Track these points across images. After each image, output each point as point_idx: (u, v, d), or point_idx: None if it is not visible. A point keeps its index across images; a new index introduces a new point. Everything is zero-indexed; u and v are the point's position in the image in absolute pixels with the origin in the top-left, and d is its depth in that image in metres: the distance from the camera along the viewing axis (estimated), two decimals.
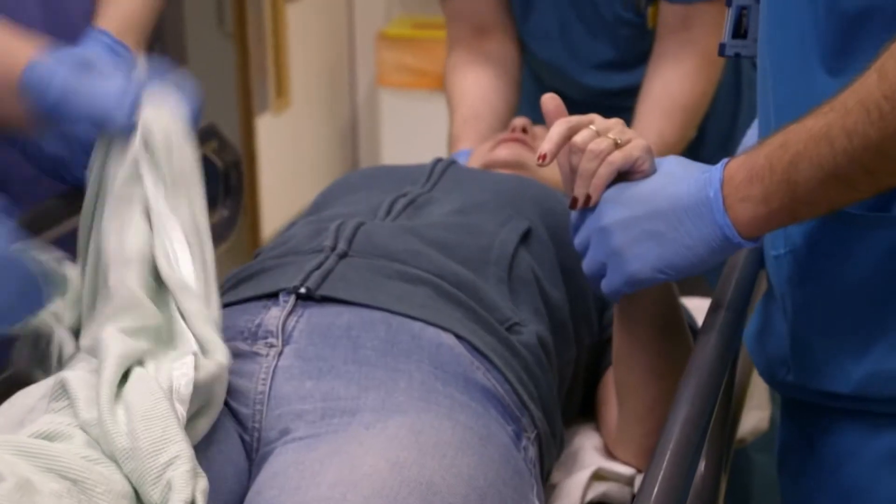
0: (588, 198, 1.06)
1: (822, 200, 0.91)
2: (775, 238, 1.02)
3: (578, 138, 1.07)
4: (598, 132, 1.07)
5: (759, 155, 0.93)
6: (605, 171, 1.06)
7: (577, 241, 1.08)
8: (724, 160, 0.98)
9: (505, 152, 1.50)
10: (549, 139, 1.07)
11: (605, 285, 1.05)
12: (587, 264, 1.07)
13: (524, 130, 1.53)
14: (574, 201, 1.08)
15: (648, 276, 1.02)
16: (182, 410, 0.91)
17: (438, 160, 1.41)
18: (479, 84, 1.72)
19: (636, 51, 1.67)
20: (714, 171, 0.97)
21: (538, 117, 1.73)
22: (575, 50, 1.70)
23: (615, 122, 1.08)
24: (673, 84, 1.61)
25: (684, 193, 0.99)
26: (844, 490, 1.01)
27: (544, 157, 1.07)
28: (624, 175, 1.06)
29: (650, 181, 1.04)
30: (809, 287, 0.98)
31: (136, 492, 0.85)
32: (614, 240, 1.03)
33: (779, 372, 1.03)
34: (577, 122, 1.08)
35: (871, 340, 0.95)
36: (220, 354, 0.99)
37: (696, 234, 0.98)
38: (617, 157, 1.05)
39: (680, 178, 1.01)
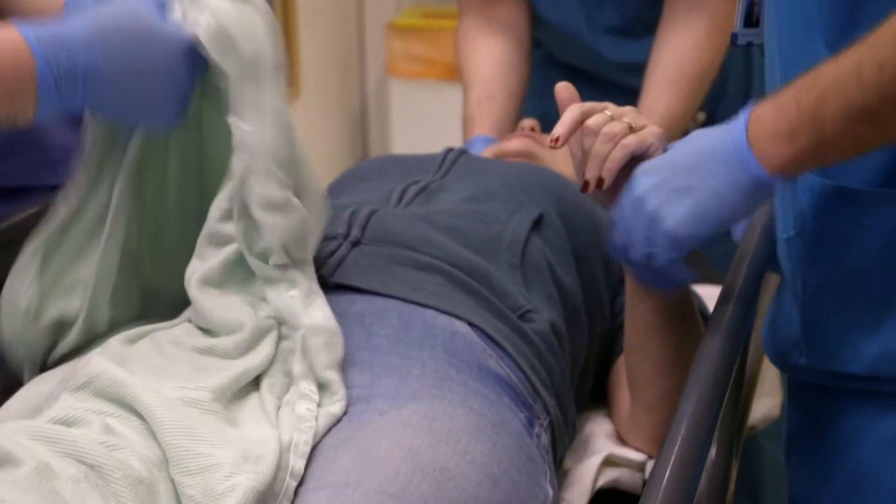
0: (600, 181, 1.06)
1: (849, 139, 0.89)
2: (785, 220, 1.02)
3: (592, 121, 1.07)
4: (612, 117, 1.07)
5: (787, 94, 0.92)
6: (619, 154, 1.05)
7: (619, 230, 1.05)
8: (751, 103, 0.97)
9: (516, 142, 1.51)
10: (563, 122, 1.07)
11: (659, 259, 1.02)
12: (635, 251, 1.03)
13: (532, 130, 1.55)
14: (585, 184, 1.08)
15: (687, 232, 0.99)
16: (299, 465, 0.91)
17: (450, 149, 1.41)
18: (491, 58, 1.71)
19: (646, 17, 1.66)
20: (740, 115, 0.96)
21: (546, 108, 1.73)
22: (587, 11, 1.69)
23: (629, 109, 1.09)
24: (682, 53, 1.61)
25: (709, 143, 0.98)
26: (851, 474, 1.01)
27: (557, 140, 1.07)
28: (636, 160, 1.06)
29: (676, 147, 1.02)
30: (820, 267, 0.99)
31: (160, 485, 0.86)
32: (648, 205, 1.00)
33: (791, 355, 1.03)
34: (591, 107, 1.08)
35: (883, 319, 0.96)
36: (337, 404, 0.98)
37: (724, 179, 0.96)
38: (631, 141, 1.05)
39: (705, 134, 1.00)
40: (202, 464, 0.85)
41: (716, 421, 0.96)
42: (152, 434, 0.88)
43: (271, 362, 1.00)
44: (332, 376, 0.98)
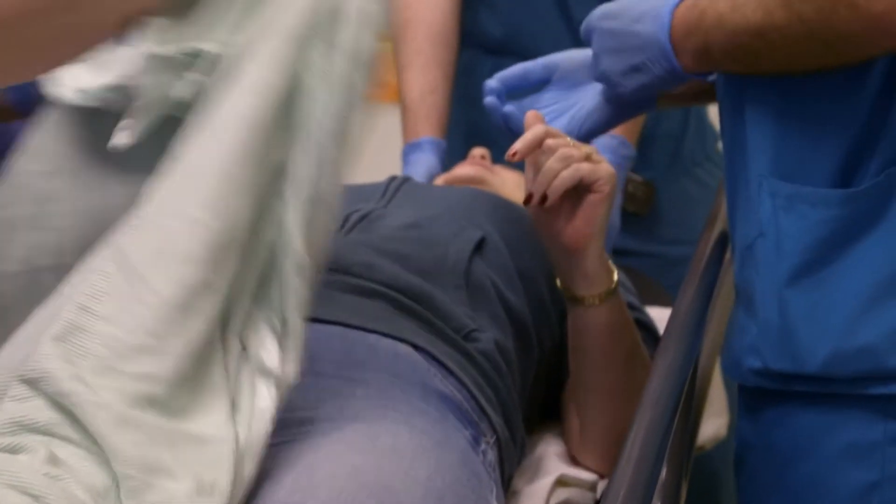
0: (544, 198, 1.08)
1: (725, 63, 0.98)
2: (747, 228, 1.04)
3: (552, 141, 1.10)
4: (573, 145, 1.09)
5: None
6: (569, 174, 1.08)
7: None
8: None
9: (467, 169, 1.53)
10: (524, 139, 1.10)
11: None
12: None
13: (483, 157, 1.57)
14: (529, 197, 1.10)
15: (613, 80, 1.08)
16: (253, 470, 0.87)
17: (393, 178, 1.42)
18: (431, 30, 1.68)
19: None
20: None
21: (473, 117, 1.74)
22: None
23: (591, 147, 1.12)
24: None
25: (649, 7, 1.04)
26: (801, 485, 1.02)
27: (515, 154, 1.09)
28: (581, 192, 1.09)
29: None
30: (778, 268, 1.00)
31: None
32: (594, 45, 1.10)
33: (745, 360, 1.05)
34: (556, 132, 1.11)
35: (835, 318, 0.97)
36: (291, 363, 0.90)
37: (643, 36, 1.03)
38: (584, 167, 1.08)
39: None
40: (157, 498, 0.84)
41: (667, 441, 0.97)
42: (101, 456, 0.86)
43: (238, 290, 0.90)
44: (296, 322, 0.90)
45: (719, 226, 1.31)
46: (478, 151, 1.58)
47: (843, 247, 0.97)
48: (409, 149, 1.63)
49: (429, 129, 1.65)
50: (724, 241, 1.29)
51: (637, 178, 1.73)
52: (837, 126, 0.97)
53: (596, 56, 1.12)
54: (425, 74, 1.68)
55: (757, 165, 1.02)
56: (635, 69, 1.06)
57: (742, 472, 1.11)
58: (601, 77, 1.12)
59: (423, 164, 1.59)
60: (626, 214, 1.69)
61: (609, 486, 0.85)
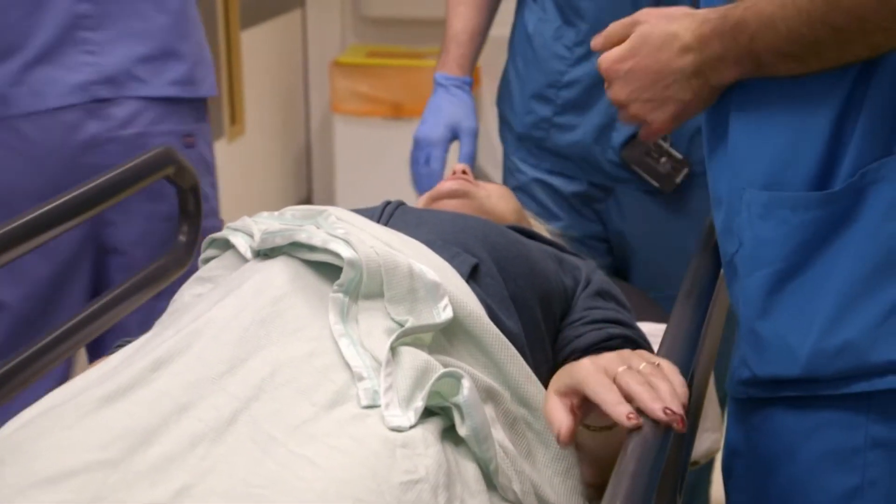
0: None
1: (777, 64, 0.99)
2: (727, 242, 1.04)
3: (629, 383, 0.93)
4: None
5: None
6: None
7: None
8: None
9: (450, 184, 1.53)
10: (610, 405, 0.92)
11: None
12: None
13: (464, 172, 1.58)
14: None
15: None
16: None
17: (387, 203, 1.42)
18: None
19: None
20: None
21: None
22: None
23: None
24: None
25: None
26: (785, 490, 1.03)
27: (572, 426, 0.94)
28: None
29: None
30: (757, 274, 1.01)
31: None
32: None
33: (737, 372, 1.05)
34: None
35: (814, 318, 0.98)
36: None
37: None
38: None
39: None
40: None
41: (662, 455, 0.97)
42: None
43: None
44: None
45: (714, 240, 1.32)
46: (459, 167, 1.60)
47: (822, 248, 0.98)
48: (456, 82, 1.79)
49: (470, 69, 1.81)
50: (718, 256, 1.29)
51: (676, 154, 1.71)
52: (811, 130, 0.97)
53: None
54: (479, 13, 1.81)
55: (736, 178, 1.02)
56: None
57: (731, 480, 1.12)
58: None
59: (460, 106, 1.78)
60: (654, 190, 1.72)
61: (604, 500, 0.85)
